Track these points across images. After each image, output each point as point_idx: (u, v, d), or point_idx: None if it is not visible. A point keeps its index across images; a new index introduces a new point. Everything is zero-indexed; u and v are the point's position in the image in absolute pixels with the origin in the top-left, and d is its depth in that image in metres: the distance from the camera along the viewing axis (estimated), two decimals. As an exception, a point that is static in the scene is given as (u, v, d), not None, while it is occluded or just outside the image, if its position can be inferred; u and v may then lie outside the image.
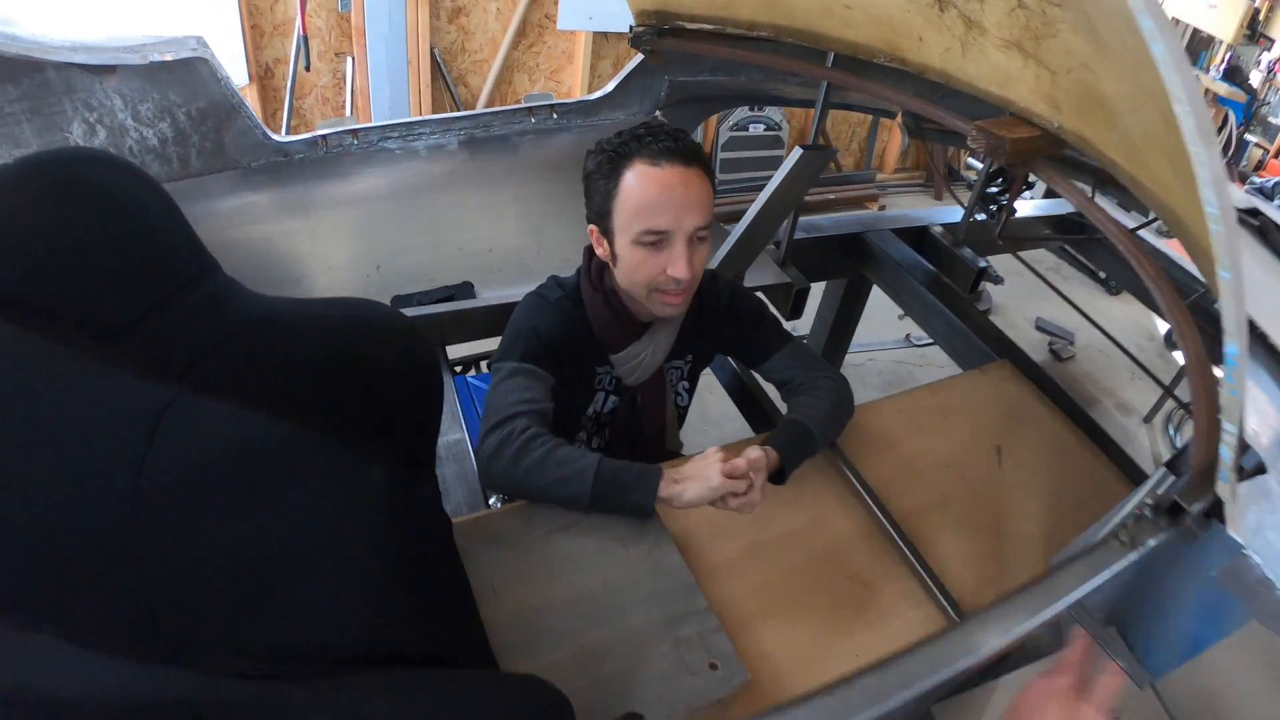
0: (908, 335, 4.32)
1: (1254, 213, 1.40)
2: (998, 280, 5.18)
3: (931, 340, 2.81)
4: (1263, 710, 1.36)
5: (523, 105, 2.19)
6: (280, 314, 1.01)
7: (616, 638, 1.19)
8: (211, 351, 0.93)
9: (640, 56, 2.20)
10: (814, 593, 1.43)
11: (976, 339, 2.26)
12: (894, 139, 6.16)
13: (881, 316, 4.23)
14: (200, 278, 0.94)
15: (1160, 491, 1.08)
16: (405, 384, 1.15)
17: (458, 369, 2.54)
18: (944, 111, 1.58)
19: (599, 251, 1.51)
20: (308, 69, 3.81)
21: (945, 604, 1.45)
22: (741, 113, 5.17)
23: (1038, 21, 1.23)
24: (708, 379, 2.01)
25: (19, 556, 0.65)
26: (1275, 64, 8.18)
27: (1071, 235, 3.09)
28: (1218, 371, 0.89)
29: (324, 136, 1.93)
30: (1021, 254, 2.75)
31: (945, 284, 2.50)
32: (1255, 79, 8.37)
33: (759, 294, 1.94)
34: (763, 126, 5.33)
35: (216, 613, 0.72)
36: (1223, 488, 0.85)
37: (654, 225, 1.39)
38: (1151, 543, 0.86)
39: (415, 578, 0.92)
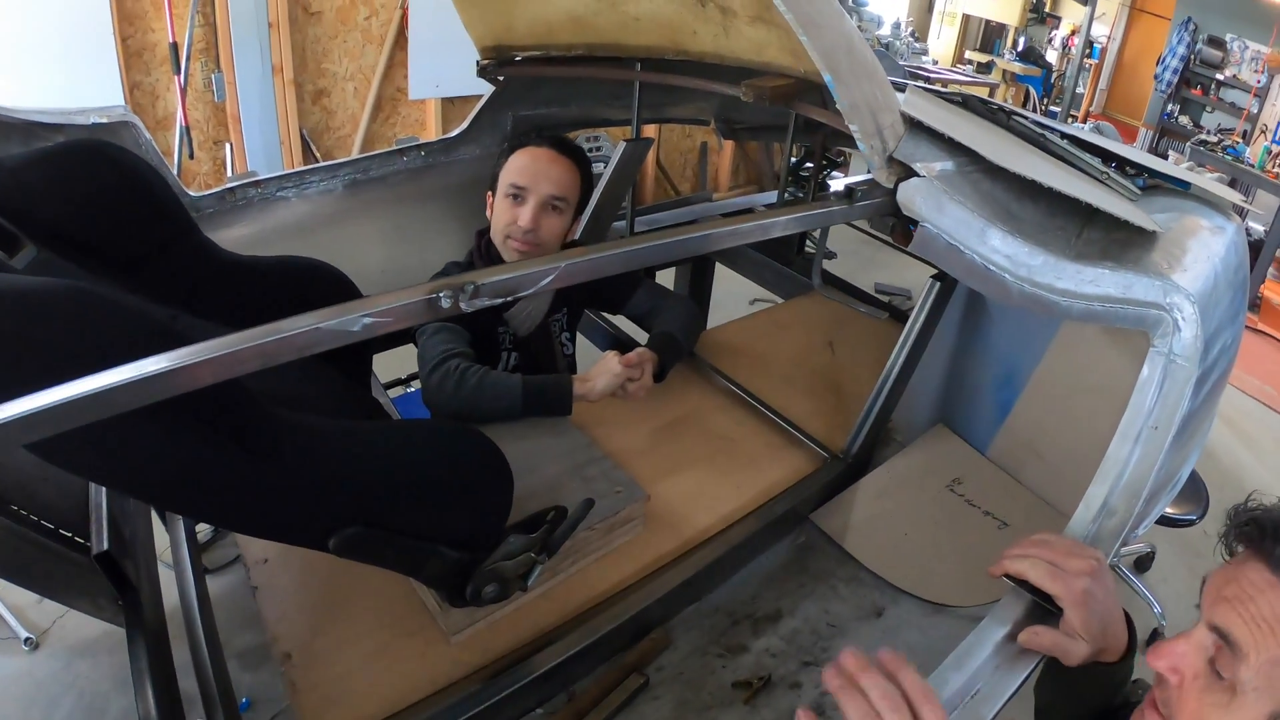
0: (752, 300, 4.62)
1: (964, 98, 1.89)
2: (831, 255, 5.73)
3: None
4: (1067, 435, 1.77)
5: (394, 148, 2.55)
6: (251, 263, 1.39)
7: (536, 484, 1.55)
8: (200, 286, 1.30)
9: (485, 98, 2.60)
10: (694, 453, 1.84)
11: (803, 278, 2.74)
12: (725, 160, 6.71)
13: (734, 305, 4.67)
14: (187, 233, 1.32)
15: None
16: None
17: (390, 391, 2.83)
18: (715, 83, 2.00)
19: (487, 212, 1.97)
20: (191, 157, 4.09)
21: (805, 440, 1.90)
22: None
23: (764, -6, 1.66)
24: (592, 349, 2.41)
25: None
26: (1067, 39, 9.20)
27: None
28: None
29: (230, 190, 2.19)
30: (859, 227, 3.20)
31: (772, 246, 2.94)
32: (1053, 56, 9.37)
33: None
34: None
35: None
36: (879, 173, 1.26)
37: (516, 181, 1.88)
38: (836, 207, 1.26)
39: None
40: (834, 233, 3.63)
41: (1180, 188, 1.77)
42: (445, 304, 0.81)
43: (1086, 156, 1.67)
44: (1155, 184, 1.75)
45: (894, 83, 1.60)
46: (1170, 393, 1.18)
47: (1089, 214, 1.39)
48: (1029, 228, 1.29)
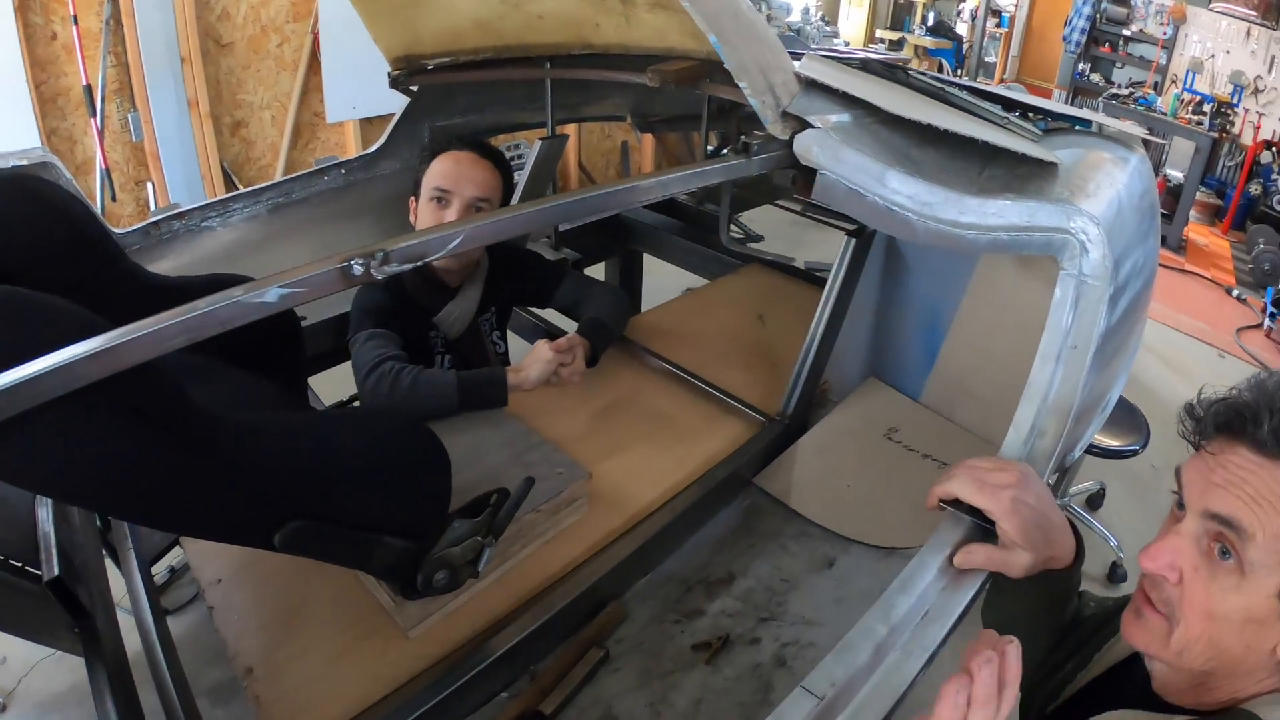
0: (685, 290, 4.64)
1: (863, 60, 1.94)
2: (757, 238, 5.80)
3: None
4: (994, 371, 1.81)
5: (315, 168, 2.55)
6: (180, 284, 1.40)
7: (479, 475, 1.56)
8: (131, 311, 1.29)
9: (400, 112, 2.61)
10: (634, 432, 1.87)
11: (729, 259, 2.79)
12: (646, 157, 6.76)
13: (666, 298, 4.66)
14: (117, 258, 1.32)
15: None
16: (275, 334, 1.56)
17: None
18: (623, 73, 2.02)
19: (411, 218, 1.99)
20: (114, 199, 4.02)
21: (742, 407, 1.94)
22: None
23: (657, -20, 1.70)
24: (526, 348, 2.43)
25: None
26: (976, 10, 9.41)
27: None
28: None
29: (155, 224, 2.17)
30: (783, 205, 3.24)
31: (696, 231, 3.00)
32: (963, 28, 9.60)
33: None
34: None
35: None
36: (772, 126, 1.31)
37: (439, 184, 1.89)
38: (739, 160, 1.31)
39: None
40: (763, 214, 3.68)
41: (1083, 127, 1.84)
42: (357, 271, 0.83)
43: (986, 105, 1.73)
44: (1059, 127, 1.81)
45: (791, 53, 1.65)
46: (1085, 311, 1.21)
47: (990, 154, 1.44)
48: (929, 170, 1.33)
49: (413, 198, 1.99)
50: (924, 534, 1.56)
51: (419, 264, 0.90)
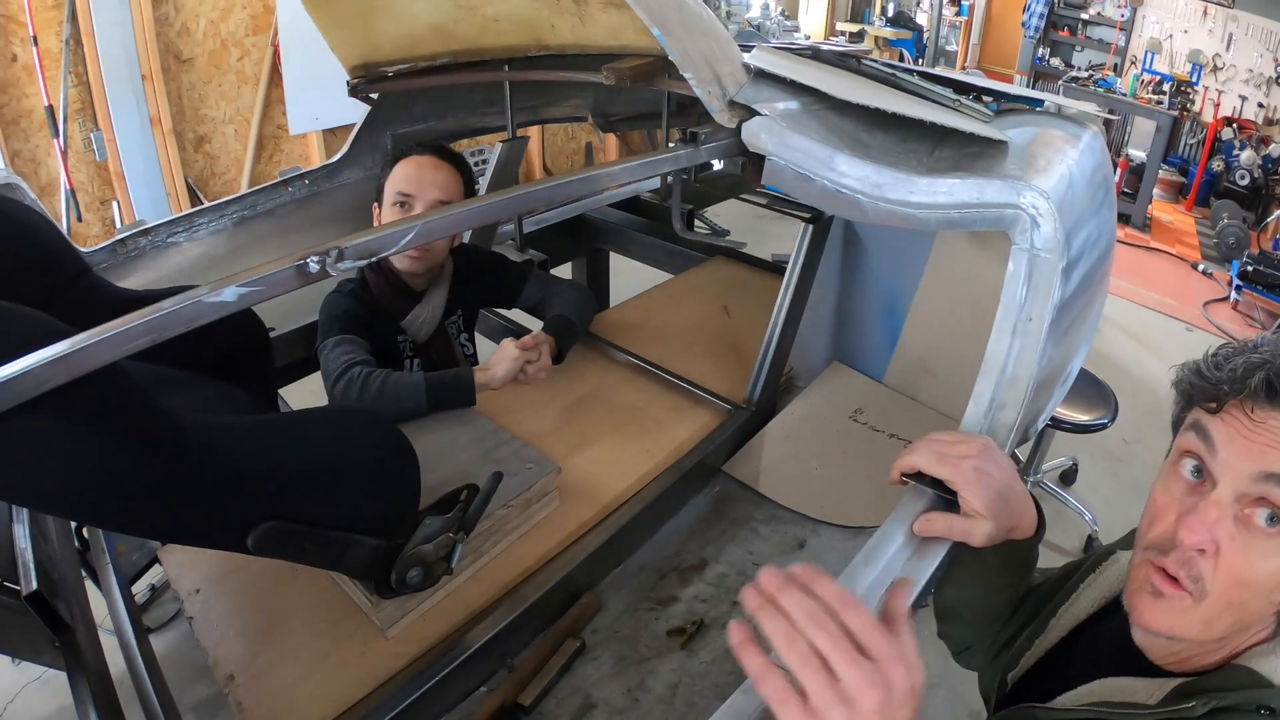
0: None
1: (814, 50, 1.97)
2: (724, 232, 5.81)
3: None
4: (954, 349, 1.85)
5: (279, 180, 2.55)
6: (146, 296, 1.41)
7: (450, 473, 1.56)
8: (99, 324, 1.31)
9: (361, 121, 2.62)
10: (602, 426, 1.89)
11: (694, 253, 2.83)
12: (610, 157, 6.74)
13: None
14: (84, 273, 1.34)
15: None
16: (244, 344, 1.57)
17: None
18: (580, 73, 2.05)
19: (375, 224, 1.99)
20: (80, 220, 4.02)
21: (709, 397, 1.96)
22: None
23: (609, -22, 1.72)
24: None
25: None
26: (933, 0, 9.52)
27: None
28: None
29: (121, 241, 2.17)
30: (747, 199, 3.26)
31: (661, 227, 2.99)
32: (923, 18, 9.69)
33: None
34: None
35: None
36: (719, 115, 1.33)
37: (402, 189, 1.92)
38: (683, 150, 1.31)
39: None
40: (728, 209, 3.70)
41: (1038, 107, 1.87)
42: (313, 268, 0.85)
43: (938, 88, 1.75)
44: (1012, 108, 1.84)
45: (742, 46, 1.68)
46: (1039, 284, 1.23)
47: (941, 136, 1.46)
48: (878, 153, 1.36)
49: (376, 204, 2.00)
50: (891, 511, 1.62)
51: (374, 260, 0.92)
